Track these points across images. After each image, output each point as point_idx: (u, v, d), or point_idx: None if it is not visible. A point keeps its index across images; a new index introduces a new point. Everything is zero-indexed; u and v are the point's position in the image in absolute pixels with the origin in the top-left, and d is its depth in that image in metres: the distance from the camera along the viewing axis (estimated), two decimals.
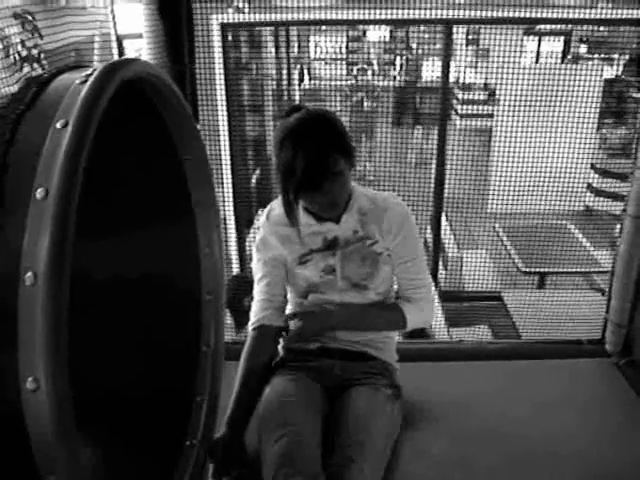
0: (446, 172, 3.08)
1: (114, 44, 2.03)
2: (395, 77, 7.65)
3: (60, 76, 0.94)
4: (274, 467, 1.23)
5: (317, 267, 1.51)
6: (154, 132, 1.31)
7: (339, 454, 1.28)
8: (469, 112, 7.04)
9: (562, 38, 7.79)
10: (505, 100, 2.82)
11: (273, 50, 4.52)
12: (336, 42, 5.90)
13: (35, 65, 1.46)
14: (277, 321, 1.52)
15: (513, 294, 3.78)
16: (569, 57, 7.62)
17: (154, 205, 1.40)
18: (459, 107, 7.41)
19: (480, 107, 6.95)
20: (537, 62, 7.64)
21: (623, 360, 2.01)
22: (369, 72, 7.48)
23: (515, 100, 2.79)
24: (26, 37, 1.43)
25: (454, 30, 3.19)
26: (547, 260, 3.40)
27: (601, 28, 4.85)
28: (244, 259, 3.02)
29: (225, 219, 2.87)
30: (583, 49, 7.59)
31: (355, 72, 7.16)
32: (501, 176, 2.81)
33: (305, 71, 6.70)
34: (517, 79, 2.75)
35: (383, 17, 2.28)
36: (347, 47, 7.04)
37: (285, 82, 4.96)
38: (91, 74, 0.87)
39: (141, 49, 1.93)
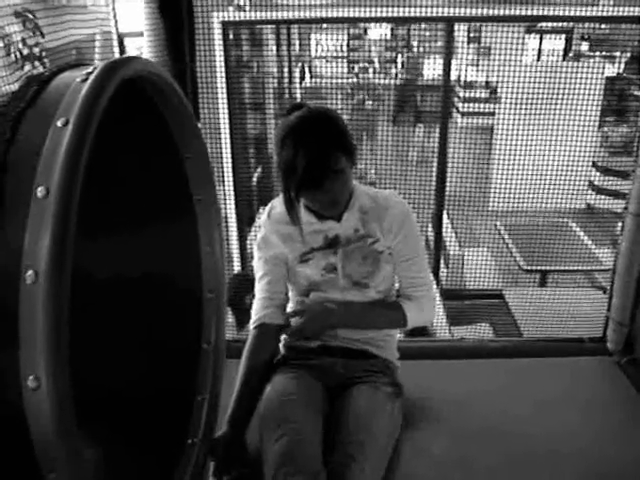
0: (447, 170, 3.08)
1: (115, 42, 2.02)
2: (396, 75, 7.63)
3: (61, 74, 0.94)
4: (275, 466, 1.23)
5: (318, 265, 1.51)
6: (155, 130, 1.31)
7: (340, 453, 1.27)
8: (470, 110, 7.01)
9: (564, 36, 7.76)
10: (506, 98, 2.82)
11: (274, 48, 4.52)
12: (337, 40, 5.90)
13: (36, 63, 1.46)
14: (278, 319, 1.52)
15: (515, 292, 3.78)
16: (571, 55, 7.60)
17: (155, 203, 1.40)
18: (460, 105, 7.39)
19: (481, 105, 6.94)
20: (538, 60, 7.61)
21: (625, 358, 2.01)
22: (370, 70, 7.48)
23: (517, 98, 2.80)
24: (27, 35, 1.43)
25: (455, 28, 3.20)
26: (549, 258, 3.40)
27: (603, 26, 4.84)
28: (245, 257, 3.02)
29: (226, 217, 2.87)
30: (585, 47, 7.56)
31: (356, 70, 7.15)
32: (502, 174, 2.80)
33: (306, 69, 6.68)
34: (518, 77, 2.75)
35: (384, 15, 2.27)
36: (348, 45, 7.04)
37: (286, 80, 4.96)
38: (92, 72, 0.87)
39: (142, 47, 1.93)
